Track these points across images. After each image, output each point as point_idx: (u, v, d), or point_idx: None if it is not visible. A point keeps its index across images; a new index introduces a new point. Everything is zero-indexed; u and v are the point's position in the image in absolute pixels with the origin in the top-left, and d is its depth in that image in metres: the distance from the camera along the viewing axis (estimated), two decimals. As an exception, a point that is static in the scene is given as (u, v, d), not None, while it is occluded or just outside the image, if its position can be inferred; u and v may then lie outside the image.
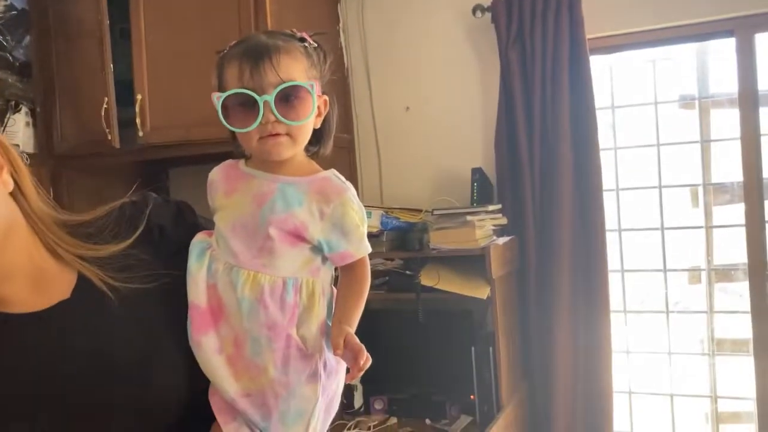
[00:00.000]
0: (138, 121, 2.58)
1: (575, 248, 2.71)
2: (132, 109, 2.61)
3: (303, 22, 2.69)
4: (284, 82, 0.94)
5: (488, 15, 2.78)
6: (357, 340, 0.93)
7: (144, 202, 1.04)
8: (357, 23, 3.07)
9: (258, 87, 0.94)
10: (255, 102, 0.93)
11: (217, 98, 0.96)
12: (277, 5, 2.54)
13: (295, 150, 0.99)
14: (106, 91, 2.59)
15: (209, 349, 0.95)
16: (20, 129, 2.79)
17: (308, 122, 0.98)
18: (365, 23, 3.07)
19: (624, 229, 2.93)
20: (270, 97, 0.93)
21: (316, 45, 1.02)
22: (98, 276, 0.93)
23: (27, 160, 2.83)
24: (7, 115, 2.79)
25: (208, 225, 1.06)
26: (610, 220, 2.76)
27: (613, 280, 2.79)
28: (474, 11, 2.79)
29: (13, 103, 2.82)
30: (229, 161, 1.06)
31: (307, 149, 1.03)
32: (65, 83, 2.82)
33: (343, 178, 1.01)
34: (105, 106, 2.59)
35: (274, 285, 0.95)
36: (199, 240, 1.02)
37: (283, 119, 0.94)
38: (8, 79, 2.82)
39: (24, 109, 2.82)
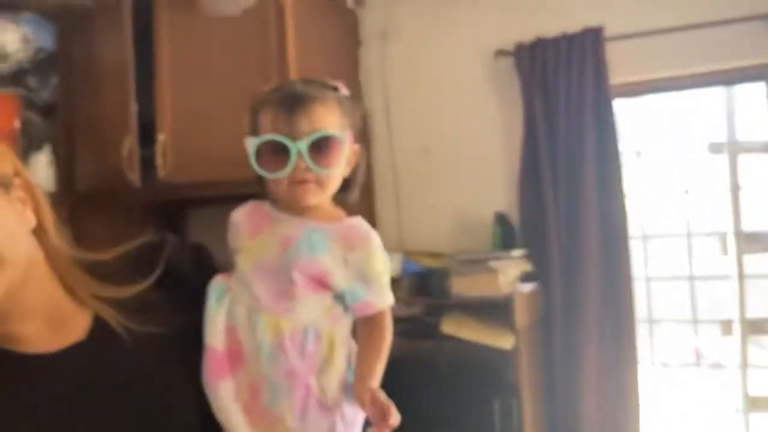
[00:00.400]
0: (159, 160, 2.59)
1: (602, 297, 2.64)
2: (152, 148, 2.62)
3: (325, 65, 2.71)
4: (317, 131, 0.96)
5: (511, 59, 2.77)
6: (384, 396, 0.92)
7: (162, 244, 1.04)
8: (378, 66, 3.08)
9: (292, 134, 0.95)
10: (287, 148, 0.95)
11: (251, 143, 0.98)
12: (300, 47, 2.55)
13: (322, 197, 1.00)
14: (128, 131, 2.61)
15: (226, 394, 0.94)
16: (42, 168, 2.82)
17: (337, 171, 0.99)
18: (386, 66, 3.07)
19: (651, 278, 2.85)
20: (303, 145, 0.95)
21: (348, 95, 1.04)
22: (114, 317, 0.93)
23: (47, 199, 2.85)
24: (31, 155, 2.82)
25: (225, 268, 1.04)
26: (637, 268, 2.69)
27: (641, 331, 2.69)
28: (496, 55, 2.79)
29: (36, 143, 2.85)
30: (253, 202, 1.06)
31: (333, 196, 1.04)
32: (87, 123, 2.86)
33: (368, 227, 1.01)
34: (127, 145, 2.60)
35: (295, 331, 0.94)
36: (218, 282, 1.00)
37: (314, 167, 0.96)
38: (33, 119, 2.87)
39: (46, 149, 2.86)
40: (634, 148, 2.86)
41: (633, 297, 2.62)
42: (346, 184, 1.04)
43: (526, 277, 2.64)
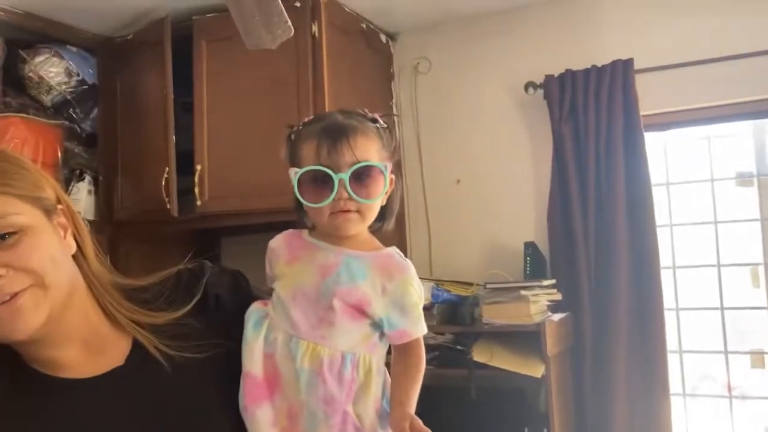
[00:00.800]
0: (197, 190, 2.65)
1: (632, 326, 2.64)
2: (190, 178, 2.69)
3: (358, 98, 2.77)
4: (359, 162, 0.97)
5: (540, 91, 2.81)
6: (421, 423, 0.92)
7: (200, 271, 1.05)
8: (410, 98, 3.14)
9: (334, 165, 0.97)
10: (330, 179, 0.96)
11: (294, 173, 1.00)
12: (335, 80, 2.62)
13: (362, 226, 1.01)
14: (167, 162, 2.68)
15: (264, 421, 0.94)
16: (83, 197, 2.90)
17: (378, 201, 1.01)
18: (418, 98, 3.13)
19: (682, 309, 2.84)
20: (345, 175, 0.96)
21: (386, 126, 1.05)
22: (152, 343, 0.94)
23: (87, 226, 2.91)
24: (72, 184, 2.90)
25: (262, 295, 1.06)
26: (667, 299, 2.68)
27: (671, 362, 2.68)
28: (526, 88, 2.83)
29: (78, 172, 2.93)
30: (291, 231, 1.08)
31: (370, 226, 1.05)
32: (128, 153, 2.93)
33: (404, 257, 1.02)
34: (166, 175, 2.67)
35: (333, 358, 0.95)
36: (255, 309, 1.02)
37: (355, 197, 0.97)
38: (75, 149, 2.96)
39: (87, 178, 2.94)
40: (663, 179, 2.86)
41: (663, 327, 2.61)
42: (383, 213, 1.05)
43: (555, 306, 2.65)
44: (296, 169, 1.00)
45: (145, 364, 0.92)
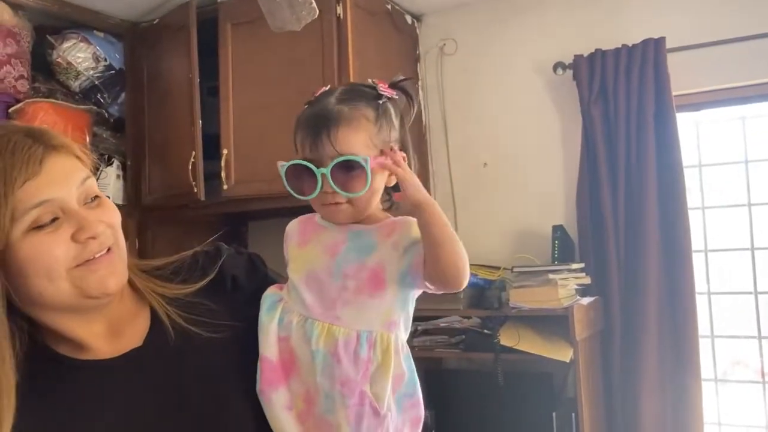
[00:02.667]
0: (223, 174, 2.66)
1: (662, 311, 2.59)
2: (217, 163, 2.70)
3: (384, 79, 2.73)
4: (340, 156, 0.94)
5: (569, 72, 2.76)
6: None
7: (217, 253, 1.05)
8: (436, 81, 3.11)
9: (317, 159, 0.95)
10: (313, 173, 0.95)
11: (281, 167, 0.98)
12: (360, 62, 2.60)
13: (359, 216, 0.99)
14: (194, 146, 2.69)
15: (279, 404, 0.94)
16: (111, 182, 2.93)
17: (366, 191, 0.96)
18: (443, 80, 3.10)
19: (714, 293, 2.79)
20: (326, 170, 0.94)
21: (398, 95, 1.02)
22: (167, 312, 0.95)
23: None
24: (100, 168, 2.92)
25: (279, 278, 1.06)
26: (698, 282, 2.63)
27: (703, 346, 2.64)
28: (555, 68, 2.78)
29: (106, 156, 2.96)
30: (307, 215, 1.06)
31: (383, 201, 1.03)
32: (155, 138, 2.95)
33: (410, 219, 0.98)
34: (192, 160, 2.68)
35: (348, 338, 0.93)
36: (271, 292, 1.01)
37: (339, 191, 0.95)
38: (103, 134, 2.98)
39: (116, 163, 2.96)
40: (695, 160, 2.80)
41: (695, 311, 2.56)
42: (393, 192, 1.03)
43: (584, 290, 2.62)
44: (282, 163, 0.98)
45: (164, 345, 0.93)
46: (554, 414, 2.43)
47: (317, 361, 0.92)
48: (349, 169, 0.94)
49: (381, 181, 0.99)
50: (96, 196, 0.90)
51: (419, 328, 2.67)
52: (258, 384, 0.95)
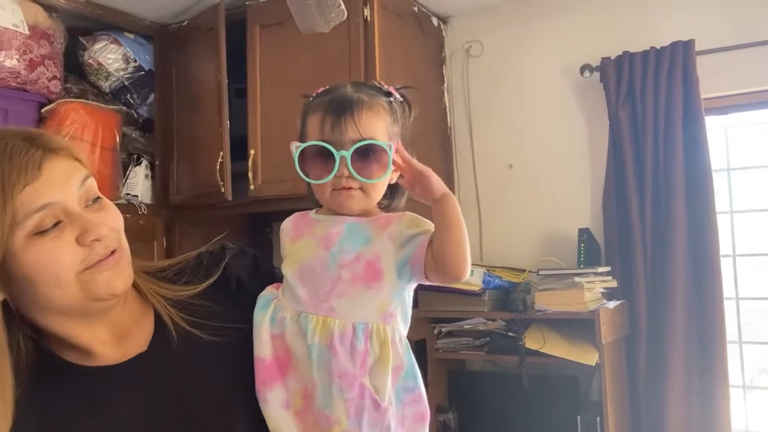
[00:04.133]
0: (250, 174, 2.68)
1: (689, 315, 2.57)
2: (244, 163, 2.72)
3: (409, 80, 2.73)
4: (363, 140, 0.94)
5: (596, 74, 2.75)
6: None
7: (221, 253, 1.04)
8: (461, 83, 3.11)
9: (337, 141, 0.94)
10: (332, 155, 0.94)
11: (296, 147, 0.97)
12: (386, 65, 2.60)
13: (367, 205, 0.98)
14: (221, 147, 2.71)
15: (275, 403, 0.93)
16: (140, 181, 2.97)
17: (382, 180, 0.97)
18: (469, 82, 3.10)
19: (742, 298, 2.75)
20: (347, 153, 0.93)
21: (401, 100, 1.02)
22: (171, 315, 0.94)
23: (144, 209, 2.95)
24: (129, 168, 2.97)
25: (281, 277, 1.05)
26: (726, 287, 2.60)
27: (731, 352, 2.61)
28: (582, 71, 2.77)
29: (135, 156, 3.00)
30: (300, 212, 1.05)
31: (379, 203, 1.02)
32: (183, 138, 2.98)
33: (408, 213, 0.98)
34: (220, 160, 2.70)
35: (344, 330, 0.91)
36: (265, 292, 1.00)
37: (357, 176, 0.94)
38: (132, 134, 3.02)
39: (144, 162, 3.00)
40: (724, 163, 2.77)
41: (723, 316, 2.53)
42: (393, 191, 1.03)
43: (610, 294, 2.60)
44: (297, 143, 0.97)
45: (168, 349, 0.93)
46: (579, 418, 2.42)
47: (313, 356, 0.91)
48: (369, 154, 0.94)
49: (392, 173, 0.99)
50: (97, 198, 0.89)
51: (443, 329, 2.68)
52: (256, 385, 0.94)
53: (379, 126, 0.96)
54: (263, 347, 0.94)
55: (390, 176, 0.99)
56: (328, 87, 1.02)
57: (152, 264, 1.02)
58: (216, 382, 0.93)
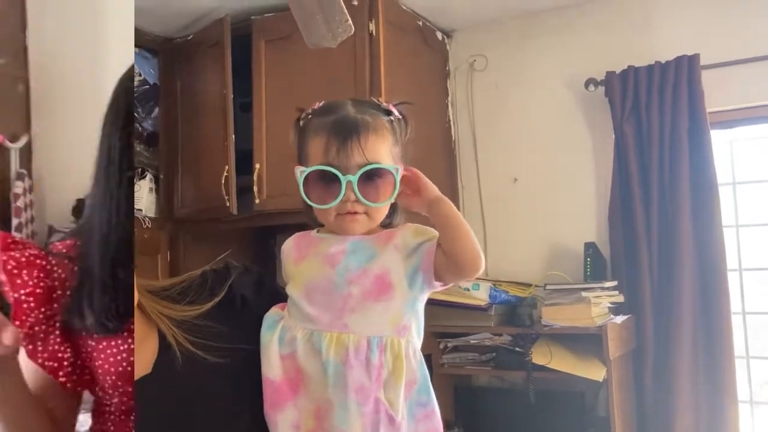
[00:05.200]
0: (255, 188, 2.68)
1: (697, 330, 2.55)
2: (248, 177, 2.71)
3: (415, 95, 2.75)
4: (369, 163, 0.93)
5: (601, 89, 2.75)
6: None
7: (226, 272, 1.04)
8: (466, 96, 3.11)
9: (343, 166, 0.93)
10: (338, 179, 0.93)
11: (300, 172, 0.96)
12: (391, 79, 2.61)
13: (370, 227, 0.98)
14: (226, 161, 2.71)
15: (286, 424, 0.92)
16: (144, 195, 2.96)
17: (387, 203, 0.97)
18: (474, 96, 3.10)
19: (749, 312, 2.74)
20: (354, 178, 0.93)
21: (400, 117, 1.01)
22: (175, 335, 0.93)
23: (148, 223, 2.94)
24: (134, 182, 2.95)
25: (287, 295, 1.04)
26: (733, 302, 2.59)
27: (738, 367, 2.59)
28: (587, 85, 2.77)
29: (139, 170, 2.99)
30: (301, 232, 1.04)
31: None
32: (188, 152, 2.98)
33: (409, 224, 1.00)
34: (225, 174, 2.70)
35: (359, 345, 0.91)
36: (272, 312, 0.99)
37: (363, 200, 0.94)
38: (136, 147, 3.01)
39: (149, 176, 3.00)
40: (730, 177, 2.77)
41: (730, 331, 2.52)
42: (392, 210, 1.02)
43: (617, 309, 2.59)
44: (302, 168, 0.96)
45: (172, 371, 0.92)
46: (586, 433, 2.40)
47: (329, 373, 0.90)
48: (374, 178, 0.94)
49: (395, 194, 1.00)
50: None
51: (449, 344, 2.66)
52: (264, 408, 0.93)
53: (383, 149, 0.96)
54: (272, 368, 0.93)
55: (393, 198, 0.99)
56: (324, 103, 1.01)
57: (156, 283, 1.01)
58: (221, 405, 0.93)
